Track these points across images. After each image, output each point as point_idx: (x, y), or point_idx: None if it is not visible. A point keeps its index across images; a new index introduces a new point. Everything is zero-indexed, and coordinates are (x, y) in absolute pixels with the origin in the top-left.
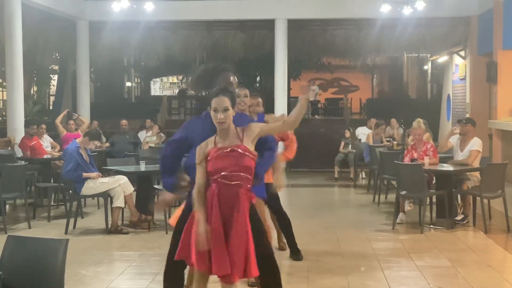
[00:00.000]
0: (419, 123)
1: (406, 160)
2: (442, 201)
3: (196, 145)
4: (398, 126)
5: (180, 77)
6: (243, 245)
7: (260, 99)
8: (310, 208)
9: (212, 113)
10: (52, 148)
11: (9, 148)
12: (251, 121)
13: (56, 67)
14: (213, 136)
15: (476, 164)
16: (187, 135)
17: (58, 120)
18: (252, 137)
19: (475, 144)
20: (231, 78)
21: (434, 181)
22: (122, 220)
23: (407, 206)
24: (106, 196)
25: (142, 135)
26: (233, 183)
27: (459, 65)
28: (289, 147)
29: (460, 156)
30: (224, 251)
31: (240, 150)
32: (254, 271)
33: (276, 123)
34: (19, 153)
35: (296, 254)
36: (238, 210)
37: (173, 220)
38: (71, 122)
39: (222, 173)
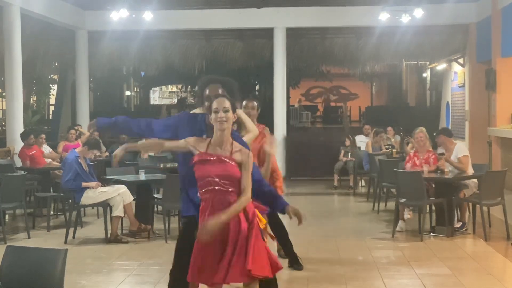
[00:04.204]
0: (421, 129)
1: (408, 167)
2: (442, 209)
3: (180, 137)
4: (394, 134)
5: (179, 86)
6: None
7: (255, 103)
8: (309, 216)
9: (212, 115)
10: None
11: (9, 158)
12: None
13: (55, 77)
14: (208, 139)
15: (470, 169)
16: (177, 123)
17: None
18: (239, 160)
19: (460, 150)
20: (220, 90)
21: (433, 185)
22: (122, 229)
23: (407, 215)
24: (106, 205)
25: None
26: (229, 190)
27: (458, 73)
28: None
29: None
30: (218, 261)
31: (229, 162)
32: (273, 268)
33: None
34: (18, 162)
35: (296, 263)
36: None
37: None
38: (72, 131)
39: (216, 179)
